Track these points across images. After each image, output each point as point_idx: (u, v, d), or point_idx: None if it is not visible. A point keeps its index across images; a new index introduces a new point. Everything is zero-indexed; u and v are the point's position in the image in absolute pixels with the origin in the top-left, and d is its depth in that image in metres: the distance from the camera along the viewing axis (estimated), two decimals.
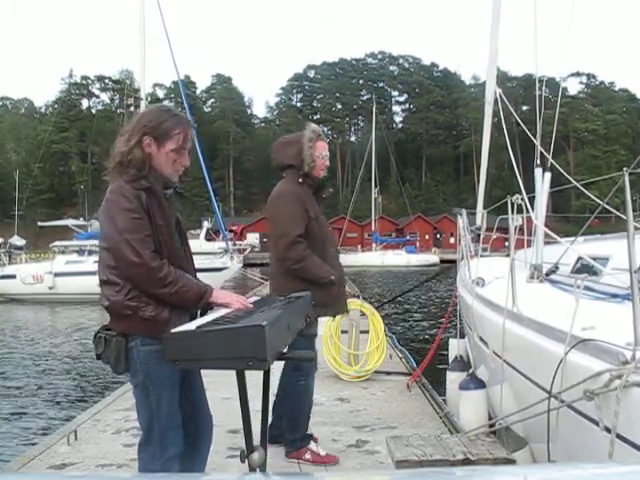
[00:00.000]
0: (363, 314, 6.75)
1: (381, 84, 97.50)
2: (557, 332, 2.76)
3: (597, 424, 2.31)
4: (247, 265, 31.09)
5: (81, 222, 29.58)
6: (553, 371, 2.61)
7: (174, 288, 2.40)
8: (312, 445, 3.99)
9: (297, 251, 3.73)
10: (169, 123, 2.55)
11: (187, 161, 2.64)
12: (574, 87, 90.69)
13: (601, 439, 2.28)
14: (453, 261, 7.68)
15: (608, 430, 2.23)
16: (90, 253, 20.98)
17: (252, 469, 2.26)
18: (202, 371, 2.70)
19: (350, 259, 40.96)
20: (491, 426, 3.92)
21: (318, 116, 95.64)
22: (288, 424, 3.97)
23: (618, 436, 2.20)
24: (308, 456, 3.93)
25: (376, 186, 54.96)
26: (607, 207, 3.40)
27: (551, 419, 2.71)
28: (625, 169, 2.55)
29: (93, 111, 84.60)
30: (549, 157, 4.76)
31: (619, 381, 2.19)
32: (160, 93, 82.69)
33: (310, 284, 3.66)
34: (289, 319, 2.45)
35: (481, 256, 6.01)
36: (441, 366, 6.12)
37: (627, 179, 2.52)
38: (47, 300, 20.93)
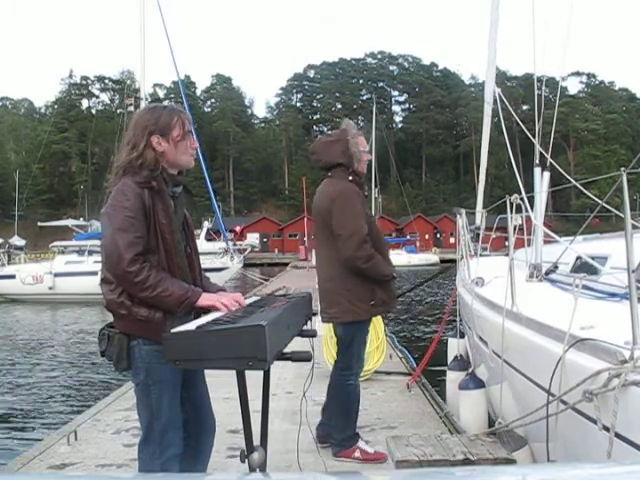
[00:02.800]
0: None
1: (381, 84, 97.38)
2: (556, 331, 2.76)
3: (596, 423, 2.31)
4: (247, 265, 31.16)
5: (81, 222, 29.64)
6: (552, 370, 2.61)
7: (153, 292, 2.38)
8: (361, 443, 3.98)
9: (367, 250, 3.73)
10: (165, 115, 2.58)
11: (195, 142, 2.68)
12: (574, 87, 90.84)
13: (600, 438, 2.28)
14: (453, 260, 7.67)
15: (607, 429, 2.23)
16: (90, 253, 21.00)
17: (252, 469, 2.27)
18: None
19: None
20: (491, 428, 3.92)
21: (318, 116, 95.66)
22: (337, 424, 3.97)
23: (617, 435, 2.21)
24: (357, 454, 3.92)
25: (376, 186, 54.90)
26: (606, 206, 3.40)
27: (550, 419, 2.71)
28: (623, 169, 2.55)
29: (93, 111, 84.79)
30: (548, 156, 4.76)
31: (617, 380, 2.19)
32: (160, 93, 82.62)
33: (374, 283, 3.74)
34: (289, 319, 2.45)
35: (480, 255, 6.00)
36: (441, 366, 6.11)
37: (625, 179, 2.52)
38: (47, 300, 20.93)
